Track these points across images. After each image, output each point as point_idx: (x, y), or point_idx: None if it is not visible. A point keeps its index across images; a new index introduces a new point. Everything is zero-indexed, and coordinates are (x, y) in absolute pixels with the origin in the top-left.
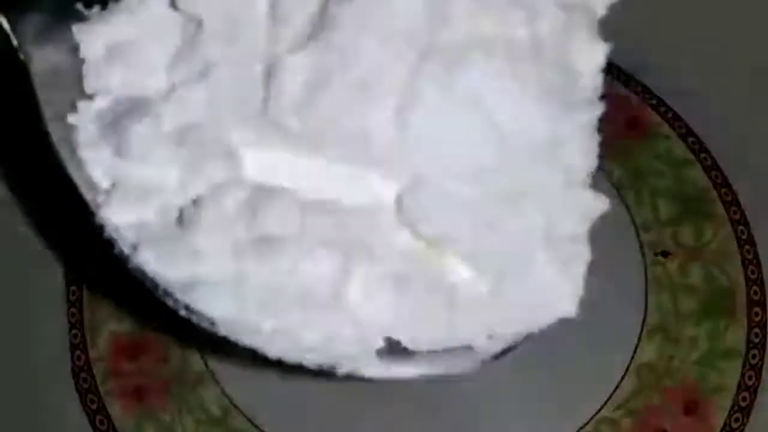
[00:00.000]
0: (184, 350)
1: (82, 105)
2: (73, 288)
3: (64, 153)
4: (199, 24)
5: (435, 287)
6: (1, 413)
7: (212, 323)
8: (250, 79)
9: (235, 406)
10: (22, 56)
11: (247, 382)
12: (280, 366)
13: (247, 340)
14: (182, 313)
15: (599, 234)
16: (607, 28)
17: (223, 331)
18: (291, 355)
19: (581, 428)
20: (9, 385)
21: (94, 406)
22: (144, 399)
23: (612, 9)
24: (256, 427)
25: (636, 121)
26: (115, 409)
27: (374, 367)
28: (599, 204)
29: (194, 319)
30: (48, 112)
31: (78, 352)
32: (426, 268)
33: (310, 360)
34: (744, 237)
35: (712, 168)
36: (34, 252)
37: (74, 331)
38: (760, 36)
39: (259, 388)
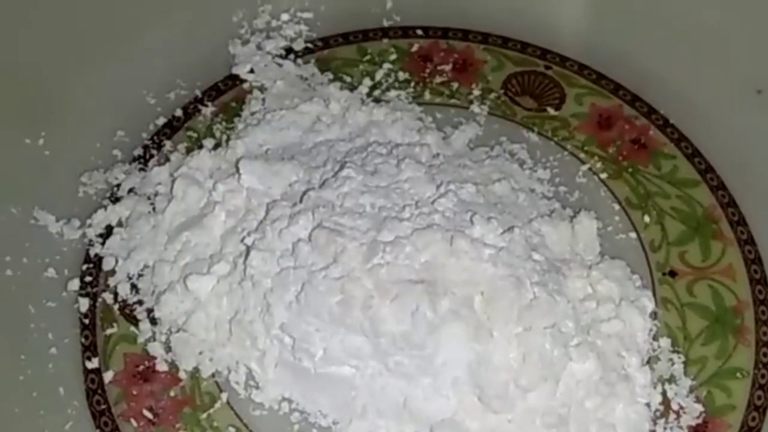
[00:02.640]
0: (195, 373)
1: None
2: (86, 312)
3: None
4: None
5: None
6: None
7: None
8: None
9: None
10: None
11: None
12: None
13: None
14: None
15: (608, 254)
16: (614, 49)
17: None
18: None
19: None
20: (22, 407)
21: (107, 429)
22: (156, 421)
23: (619, 31)
24: None
25: (642, 141)
26: (128, 431)
27: None
28: None
29: None
30: None
31: (92, 376)
32: None
33: None
34: (751, 257)
35: (718, 188)
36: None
37: (87, 354)
38: (765, 56)
39: (270, 410)
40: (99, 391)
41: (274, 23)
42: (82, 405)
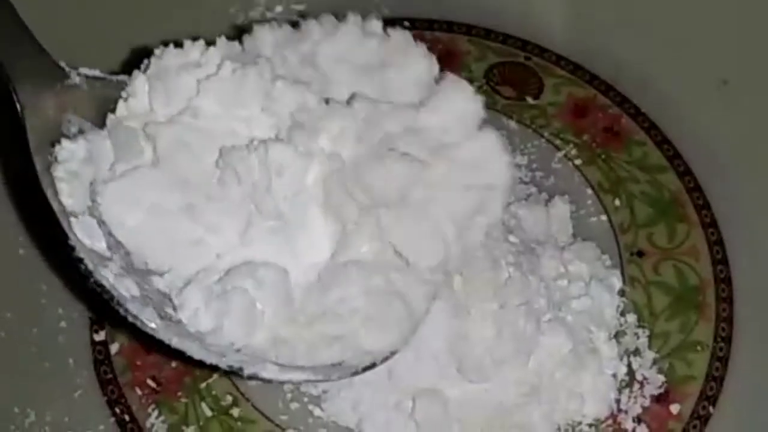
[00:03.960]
0: None
1: (64, 144)
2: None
3: (45, 182)
4: None
5: None
6: (23, 402)
7: (154, 330)
8: None
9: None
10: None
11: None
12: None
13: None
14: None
15: (581, 236)
16: (591, 42)
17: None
18: (208, 359)
19: None
20: (34, 376)
21: (114, 396)
22: (159, 389)
23: (596, 25)
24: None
25: (614, 129)
26: (133, 398)
27: (271, 372)
28: None
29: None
30: (33, 143)
31: (99, 347)
32: None
33: (224, 362)
34: (714, 238)
35: (685, 173)
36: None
37: (95, 327)
38: (731, 48)
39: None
40: (106, 362)
41: (268, 14)
42: (90, 375)
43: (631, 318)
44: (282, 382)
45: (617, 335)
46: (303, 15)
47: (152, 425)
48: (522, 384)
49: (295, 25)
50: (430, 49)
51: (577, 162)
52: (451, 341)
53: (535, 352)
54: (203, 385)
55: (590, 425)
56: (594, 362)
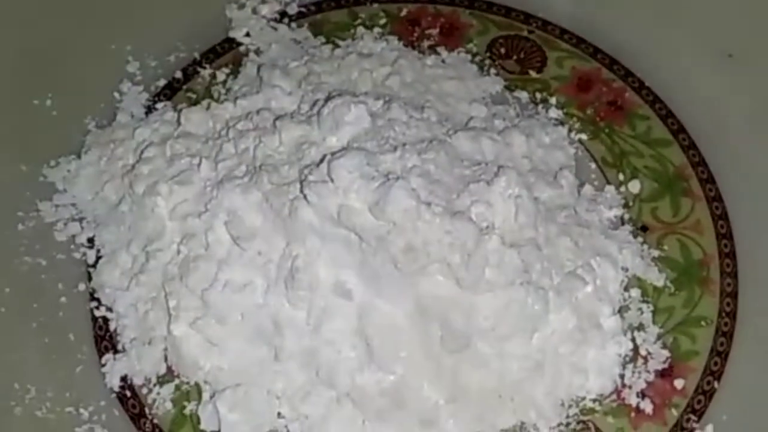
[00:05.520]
0: None
1: None
2: (93, 264)
3: None
4: None
5: None
6: (23, 378)
7: None
8: None
9: None
10: None
11: None
12: None
13: None
14: None
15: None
16: (594, 15)
17: None
18: None
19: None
20: (35, 352)
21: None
22: None
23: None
24: None
25: (618, 103)
26: None
27: None
28: None
29: None
30: None
31: (99, 323)
32: None
33: None
34: (719, 212)
35: (689, 147)
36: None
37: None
38: (736, 22)
39: None
40: (107, 337)
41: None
42: (90, 350)
43: (635, 293)
44: None
45: (621, 310)
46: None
47: (154, 400)
48: (526, 359)
49: None
50: (432, 23)
51: (582, 136)
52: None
53: (540, 329)
54: None
55: (594, 400)
56: (598, 338)
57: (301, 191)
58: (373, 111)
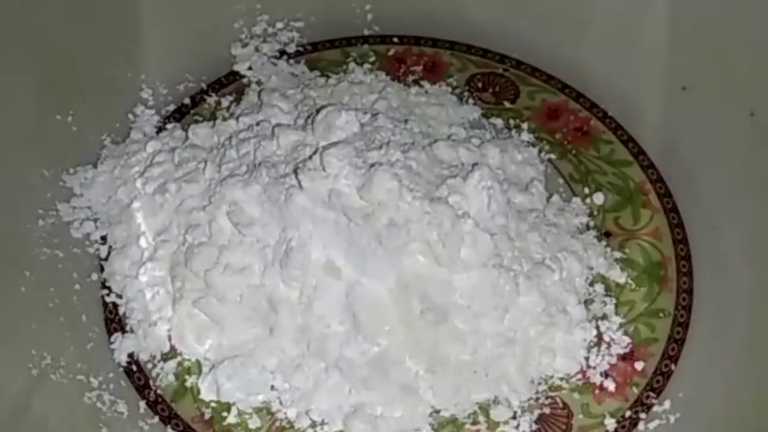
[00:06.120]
0: None
1: None
2: (105, 257)
3: None
4: None
5: None
6: (40, 346)
7: None
8: None
9: None
10: None
11: None
12: None
13: None
14: None
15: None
16: (562, 55)
17: None
18: None
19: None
20: (50, 329)
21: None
22: None
23: (566, 39)
24: None
25: (584, 129)
26: None
27: None
28: None
29: None
30: None
31: (110, 307)
32: None
33: None
34: (675, 222)
35: (648, 167)
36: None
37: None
38: (689, 59)
39: None
40: (115, 320)
41: (270, 30)
42: (101, 331)
43: (599, 288)
44: None
45: (586, 303)
46: (300, 31)
47: (158, 374)
48: (499, 336)
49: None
50: (416, 61)
51: (551, 156)
52: (437, 288)
53: (511, 310)
54: None
55: (561, 378)
56: (565, 323)
57: (296, 178)
58: (361, 121)
